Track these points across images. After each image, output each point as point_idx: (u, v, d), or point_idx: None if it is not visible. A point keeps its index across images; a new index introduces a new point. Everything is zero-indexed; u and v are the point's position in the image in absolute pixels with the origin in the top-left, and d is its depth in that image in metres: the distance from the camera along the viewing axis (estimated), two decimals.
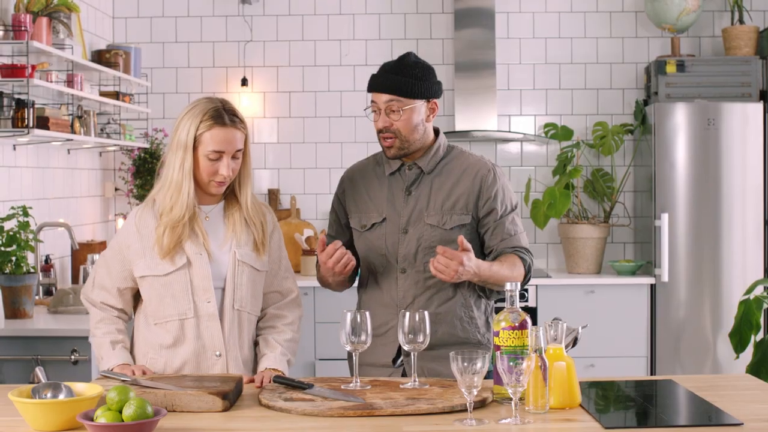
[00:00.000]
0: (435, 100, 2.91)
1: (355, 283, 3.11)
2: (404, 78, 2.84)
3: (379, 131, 2.89)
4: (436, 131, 2.99)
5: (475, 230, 2.94)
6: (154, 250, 2.73)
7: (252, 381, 2.70)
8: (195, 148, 2.70)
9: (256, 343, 2.86)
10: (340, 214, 3.08)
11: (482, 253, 2.95)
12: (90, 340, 2.85)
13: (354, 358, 2.58)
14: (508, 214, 2.94)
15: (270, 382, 2.62)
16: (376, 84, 2.88)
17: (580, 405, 2.37)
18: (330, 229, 3.13)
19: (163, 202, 2.74)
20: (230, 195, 2.84)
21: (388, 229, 2.93)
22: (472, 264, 2.71)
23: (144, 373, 2.68)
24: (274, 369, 2.74)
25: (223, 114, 2.70)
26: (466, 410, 2.25)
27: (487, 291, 2.93)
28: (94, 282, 2.86)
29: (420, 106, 2.87)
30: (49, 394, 2.23)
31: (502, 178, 2.97)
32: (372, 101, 2.89)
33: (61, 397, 2.22)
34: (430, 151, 2.94)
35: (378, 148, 3.01)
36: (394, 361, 2.90)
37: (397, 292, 2.91)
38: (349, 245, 3.01)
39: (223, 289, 2.76)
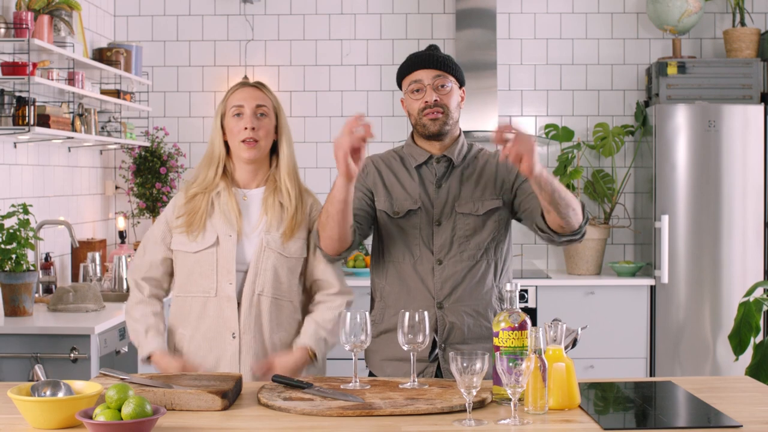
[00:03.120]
0: (464, 89, 2.95)
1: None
2: (447, 58, 2.89)
3: (425, 107, 2.85)
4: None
5: (507, 216, 2.93)
6: (183, 226, 2.89)
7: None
8: (224, 116, 2.91)
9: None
10: (365, 191, 2.93)
11: (532, 227, 2.87)
12: (126, 320, 2.97)
13: (354, 357, 2.57)
14: None
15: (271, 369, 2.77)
16: (421, 61, 2.86)
17: (579, 406, 2.37)
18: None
19: (198, 173, 2.93)
20: (270, 179, 2.92)
21: (422, 219, 2.89)
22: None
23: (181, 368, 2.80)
24: (306, 347, 2.84)
25: (247, 81, 2.98)
26: (465, 410, 2.25)
27: (551, 228, 2.76)
28: (143, 260, 2.97)
29: (457, 89, 2.91)
30: (48, 392, 2.23)
31: None
32: (415, 81, 2.86)
33: (61, 395, 2.22)
34: (457, 143, 2.94)
35: (373, 150, 3.00)
36: (429, 354, 2.84)
37: (434, 284, 2.85)
38: (365, 222, 2.91)
39: (246, 272, 2.84)
